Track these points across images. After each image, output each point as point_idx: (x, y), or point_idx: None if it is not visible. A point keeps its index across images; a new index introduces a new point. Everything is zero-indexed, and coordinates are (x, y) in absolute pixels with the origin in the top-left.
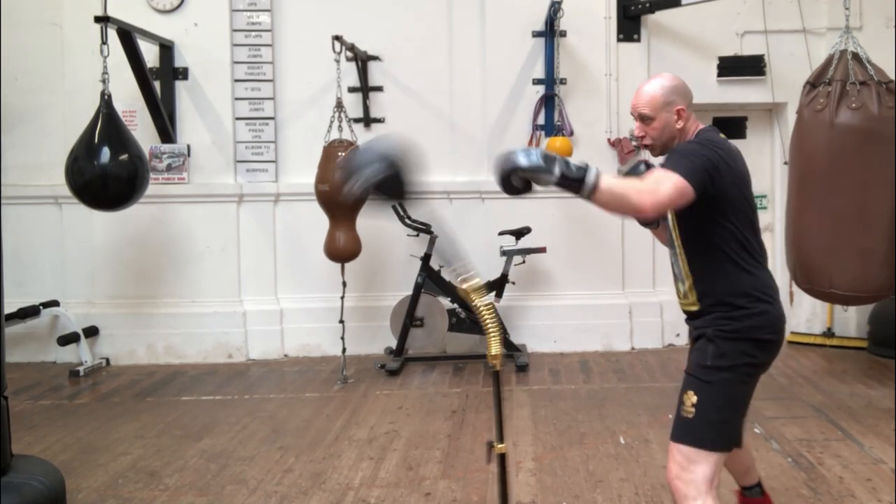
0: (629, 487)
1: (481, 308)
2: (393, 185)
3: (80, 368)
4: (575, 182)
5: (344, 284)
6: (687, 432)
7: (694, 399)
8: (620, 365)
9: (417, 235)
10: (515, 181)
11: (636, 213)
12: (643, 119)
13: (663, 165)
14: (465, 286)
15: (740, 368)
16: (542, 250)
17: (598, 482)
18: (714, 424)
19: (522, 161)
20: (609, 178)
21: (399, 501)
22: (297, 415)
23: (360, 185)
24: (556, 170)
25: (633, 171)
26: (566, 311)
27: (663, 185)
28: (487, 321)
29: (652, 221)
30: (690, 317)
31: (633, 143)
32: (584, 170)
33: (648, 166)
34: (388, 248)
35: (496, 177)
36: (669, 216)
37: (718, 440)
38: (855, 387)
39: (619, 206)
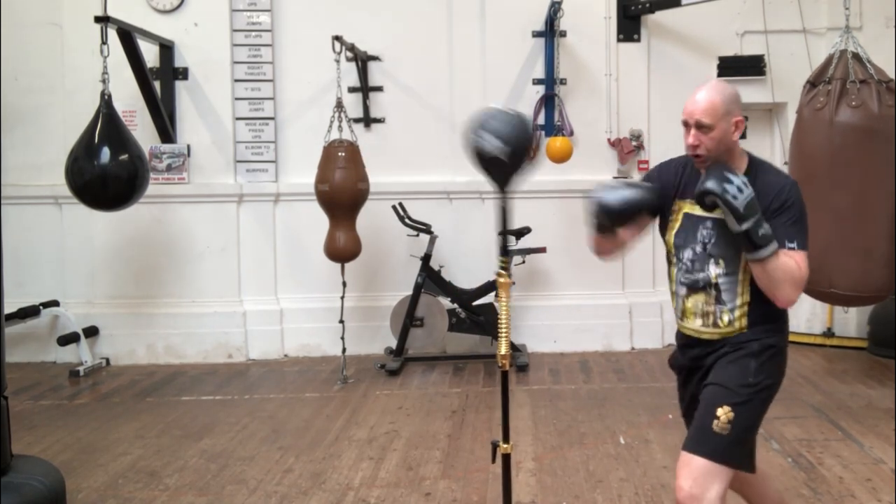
0: (629, 487)
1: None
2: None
3: (80, 368)
4: (753, 246)
5: (344, 284)
6: (719, 449)
7: (731, 415)
8: (620, 365)
9: (417, 235)
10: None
11: (782, 302)
12: (700, 127)
13: (790, 228)
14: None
15: (775, 386)
16: (542, 250)
17: (598, 482)
18: (747, 443)
19: (727, 194)
20: (782, 255)
21: (399, 501)
22: (297, 415)
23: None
24: (745, 225)
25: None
26: (566, 311)
27: (806, 271)
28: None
29: (609, 230)
30: (720, 340)
31: (633, 143)
32: (768, 239)
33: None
34: (388, 248)
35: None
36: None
37: (748, 459)
38: (855, 387)
39: (771, 286)
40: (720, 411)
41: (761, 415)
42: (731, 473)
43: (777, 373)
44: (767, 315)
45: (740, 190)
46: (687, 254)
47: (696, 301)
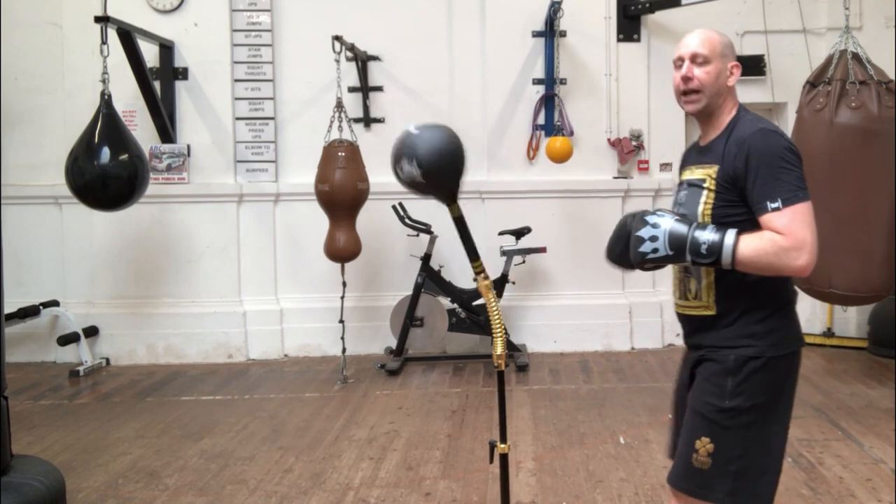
0: (629, 487)
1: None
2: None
3: (80, 368)
4: (710, 263)
5: (344, 284)
6: (702, 485)
7: (710, 448)
8: (620, 365)
9: (417, 235)
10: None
11: (796, 275)
12: (696, 59)
13: (764, 187)
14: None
15: (764, 406)
16: (542, 250)
17: (598, 482)
18: (737, 474)
19: (650, 253)
20: (745, 247)
21: (399, 501)
22: (297, 415)
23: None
24: (688, 257)
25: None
26: (566, 311)
27: (799, 229)
28: (494, 320)
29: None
30: (696, 328)
31: (633, 143)
32: (717, 251)
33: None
34: (388, 248)
35: (616, 257)
36: (703, 196)
37: (738, 494)
38: (855, 387)
39: (771, 273)
40: (699, 444)
41: (751, 439)
42: None
43: (762, 391)
44: (746, 291)
45: (653, 239)
46: None
47: (675, 270)
